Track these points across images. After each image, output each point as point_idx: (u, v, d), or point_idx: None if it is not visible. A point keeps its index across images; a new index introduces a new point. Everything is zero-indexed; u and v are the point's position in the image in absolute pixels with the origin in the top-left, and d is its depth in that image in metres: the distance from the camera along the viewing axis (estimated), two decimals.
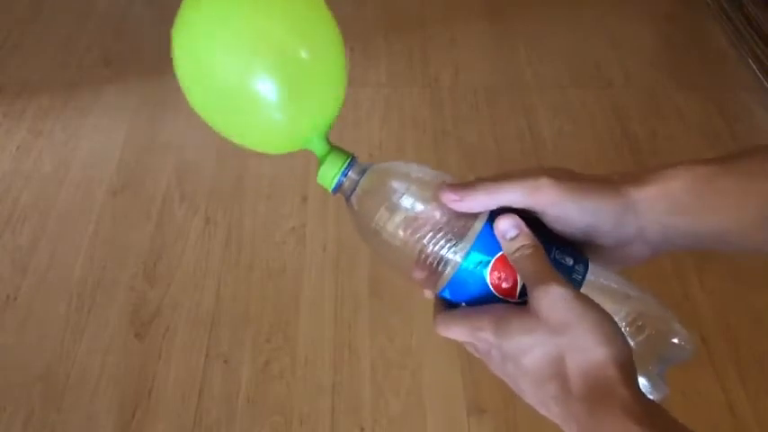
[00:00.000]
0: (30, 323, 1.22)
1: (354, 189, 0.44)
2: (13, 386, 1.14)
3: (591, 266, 0.42)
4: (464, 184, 0.41)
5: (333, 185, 0.45)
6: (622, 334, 0.37)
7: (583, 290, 0.41)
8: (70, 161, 1.49)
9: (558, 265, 0.41)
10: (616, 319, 0.41)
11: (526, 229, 0.40)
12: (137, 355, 1.17)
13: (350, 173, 0.45)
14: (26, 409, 1.11)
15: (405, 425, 1.09)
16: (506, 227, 0.40)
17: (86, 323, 1.21)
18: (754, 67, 1.66)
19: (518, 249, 0.40)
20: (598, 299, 0.41)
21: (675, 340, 0.41)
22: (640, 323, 0.41)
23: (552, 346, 0.37)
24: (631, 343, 0.41)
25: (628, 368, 0.36)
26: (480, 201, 0.41)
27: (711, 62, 1.72)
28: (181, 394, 1.13)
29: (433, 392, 1.12)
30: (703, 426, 1.06)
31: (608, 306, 0.41)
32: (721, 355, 1.16)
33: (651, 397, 0.41)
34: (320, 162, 0.46)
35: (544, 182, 0.40)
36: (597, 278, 0.42)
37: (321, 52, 0.46)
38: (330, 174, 0.45)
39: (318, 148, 0.46)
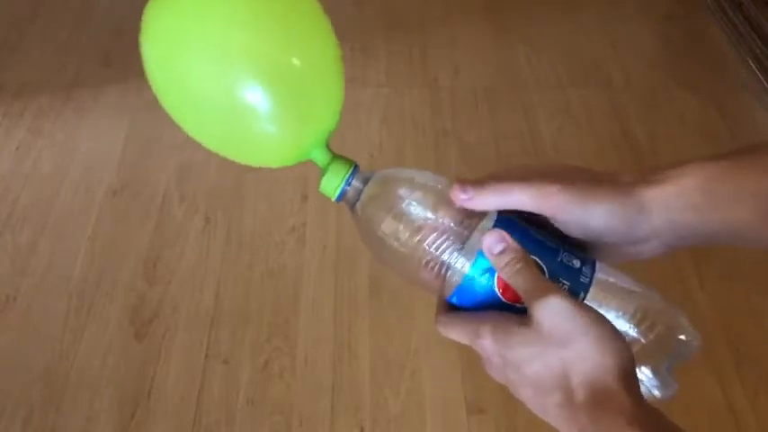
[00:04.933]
0: (29, 323, 1.22)
1: (359, 197, 0.44)
2: (12, 386, 1.14)
3: (598, 265, 0.42)
4: (474, 182, 0.41)
5: (336, 195, 0.45)
6: (625, 342, 0.38)
7: (590, 290, 0.41)
8: (70, 161, 1.49)
9: (565, 269, 0.41)
10: (625, 317, 0.41)
11: (513, 244, 0.40)
12: (136, 355, 1.17)
13: (353, 181, 0.45)
14: (26, 409, 1.11)
15: (404, 425, 1.09)
16: (491, 242, 0.40)
17: (86, 323, 1.21)
18: (754, 67, 1.65)
19: (507, 264, 0.40)
20: (606, 298, 0.41)
21: (683, 336, 0.42)
22: (650, 321, 0.42)
23: (555, 358, 0.37)
24: (642, 340, 0.41)
25: (630, 377, 0.37)
26: (490, 200, 0.41)
27: (711, 62, 1.72)
28: (180, 394, 1.12)
29: (432, 392, 1.12)
30: (703, 426, 1.06)
31: (616, 305, 0.41)
32: (721, 355, 1.15)
33: (660, 394, 0.41)
34: (323, 171, 0.45)
35: (554, 189, 0.40)
36: (605, 277, 0.42)
37: (315, 56, 0.44)
38: (334, 183, 0.45)
39: (320, 158, 0.46)
